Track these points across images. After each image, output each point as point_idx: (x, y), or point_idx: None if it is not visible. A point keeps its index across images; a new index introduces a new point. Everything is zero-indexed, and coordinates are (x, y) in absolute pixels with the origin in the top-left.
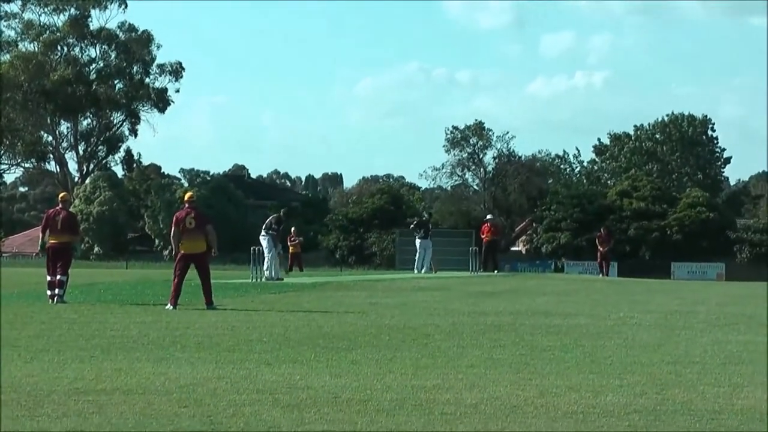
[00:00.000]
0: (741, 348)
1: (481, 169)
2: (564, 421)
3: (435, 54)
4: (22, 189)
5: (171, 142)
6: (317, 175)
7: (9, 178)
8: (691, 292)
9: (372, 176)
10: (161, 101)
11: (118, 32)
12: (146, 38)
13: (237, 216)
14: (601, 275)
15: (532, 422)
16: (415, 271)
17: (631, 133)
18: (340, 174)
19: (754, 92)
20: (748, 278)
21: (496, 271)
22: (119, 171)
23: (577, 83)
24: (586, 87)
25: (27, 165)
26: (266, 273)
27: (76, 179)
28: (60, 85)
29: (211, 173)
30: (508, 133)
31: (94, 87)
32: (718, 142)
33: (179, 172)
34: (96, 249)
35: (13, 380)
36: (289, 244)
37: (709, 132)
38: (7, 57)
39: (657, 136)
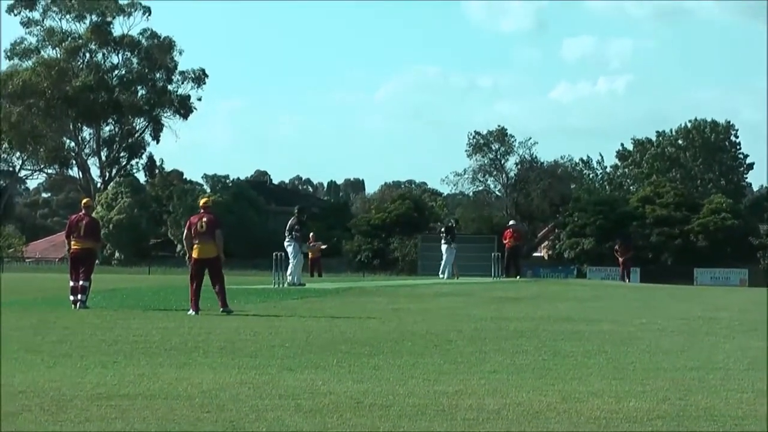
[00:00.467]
0: (764, 354)
1: (503, 175)
2: (586, 426)
3: (456, 58)
4: (45, 195)
5: (193, 147)
6: (339, 181)
7: (32, 184)
8: (713, 298)
9: (394, 182)
10: (183, 108)
11: (140, 39)
12: (168, 45)
13: (259, 222)
14: (623, 282)
15: (555, 428)
16: (440, 275)
17: (654, 138)
18: (362, 180)
19: None
20: None
21: (518, 277)
22: (141, 177)
23: (599, 89)
24: (608, 92)
25: (50, 171)
26: (289, 278)
27: (99, 185)
28: (82, 91)
29: (232, 179)
30: (530, 139)
31: (116, 93)
32: (740, 148)
33: (202, 177)
34: (117, 254)
35: (36, 385)
36: (308, 250)
37: (732, 138)
38: (29, 63)
39: (680, 141)
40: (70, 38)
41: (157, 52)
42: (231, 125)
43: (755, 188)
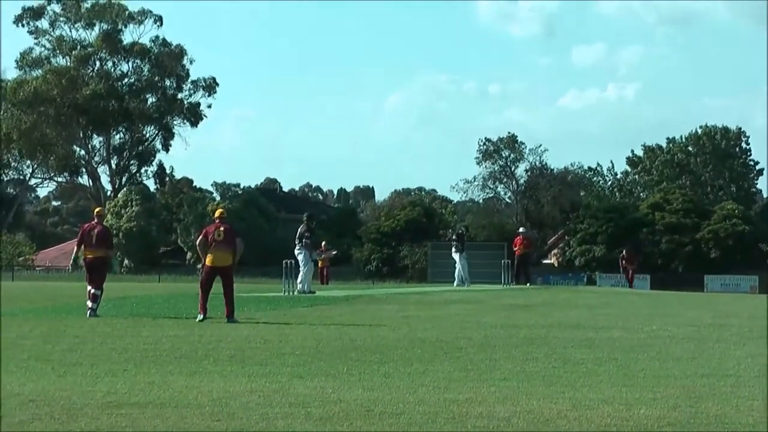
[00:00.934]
0: None
1: (513, 182)
2: None
3: (466, 65)
4: (55, 203)
5: (203, 155)
6: (349, 188)
7: (42, 192)
8: (723, 305)
9: (404, 189)
10: (193, 115)
11: (151, 46)
12: (179, 53)
13: (269, 229)
14: (632, 288)
15: None
16: (465, 284)
17: (664, 145)
18: (372, 187)
19: None
20: None
21: (528, 284)
22: (151, 185)
23: (609, 95)
24: (618, 99)
25: (60, 179)
26: (299, 286)
27: (109, 193)
28: (92, 99)
29: (242, 186)
30: (540, 146)
31: (126, 101)
32: (751, 155)
33: (212, 185)
34: (126, 262)
35: (47, 394)
36: (319, 258)
37: (743, 144)
38: (39, 72)
39: (690, 148)
40: (80, 46)
41: (168, 60)
42: (240, 133)
43: (765, 195)
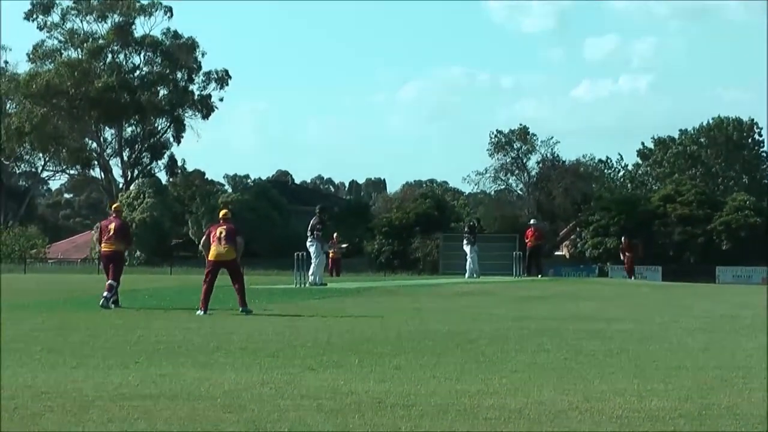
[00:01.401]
0: None
1: (525, 174)
2: (609, 425)
3: (479, 58)
4: (67, 195)
5: (214, 147)
6: (360, 181)
7: (54, 184)
8: (735, 296)
9: (415, 181)
10: (205, 107)
11: (163, 39)
12: (191, 45)
13: (280, 221)
14: (631, 278)
15: (577, 427)
16: (475, 276)
17: (676, 137)
18: (384, 179)
19: None
20: None
21: (539, 276)
22: (163, 177)
23: (621, 87)
24: (630, 91)
25: (72, 172)
26: (311, 278)
27: (121, 185)
28: (104, 92)
29: (254, 178)
30: (552, 138)
31: (138, 94)
32: (764, 146)
33: (223, 177)
34: (137, 254)
35: (59, 386)
36: (330, 250)
37: (756, 136)
38: (51, 65)
39: (702, 140)
40: (91, 39)
41: (179, 52)
42: (252, 125)
43: None
